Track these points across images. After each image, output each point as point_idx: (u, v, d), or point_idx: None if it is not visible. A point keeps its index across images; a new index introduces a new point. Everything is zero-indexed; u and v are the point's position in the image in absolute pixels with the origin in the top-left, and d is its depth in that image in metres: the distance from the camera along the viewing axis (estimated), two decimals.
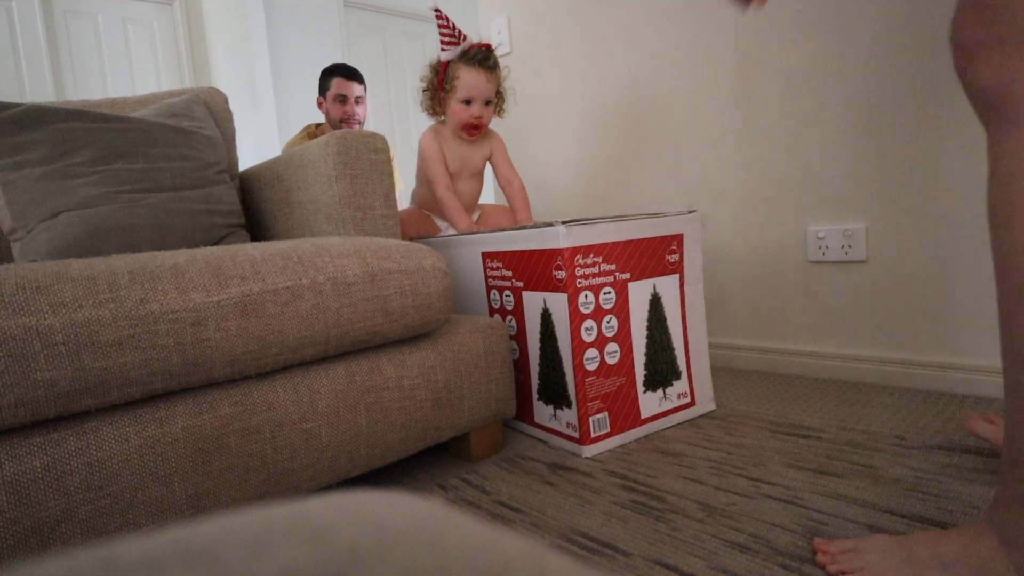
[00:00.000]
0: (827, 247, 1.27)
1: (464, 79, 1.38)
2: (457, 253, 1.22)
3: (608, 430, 0.98)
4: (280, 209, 1.17)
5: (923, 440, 0.91)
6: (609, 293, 0.98)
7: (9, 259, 1.04)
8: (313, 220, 1.07)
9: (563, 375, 0.98)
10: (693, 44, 1.45)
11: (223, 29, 3.48)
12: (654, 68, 1.54)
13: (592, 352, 0.96)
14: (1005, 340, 0.54)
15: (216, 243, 1.06)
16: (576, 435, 0.97)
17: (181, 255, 0.68)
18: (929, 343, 1.16)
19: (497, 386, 0.97)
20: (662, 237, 1.05)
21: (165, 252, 0.71)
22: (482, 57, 1.40)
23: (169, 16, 3.57)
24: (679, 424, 1.07)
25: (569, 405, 0.98)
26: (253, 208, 1.26)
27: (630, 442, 1.00)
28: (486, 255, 1.13)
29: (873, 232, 1.21)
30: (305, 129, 2.10)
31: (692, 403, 1.10)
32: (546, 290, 0.99)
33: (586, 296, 0.96)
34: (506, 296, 1.10)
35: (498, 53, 2.02)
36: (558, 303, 0.96)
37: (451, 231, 1.50)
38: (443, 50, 1.42)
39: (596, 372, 0.97)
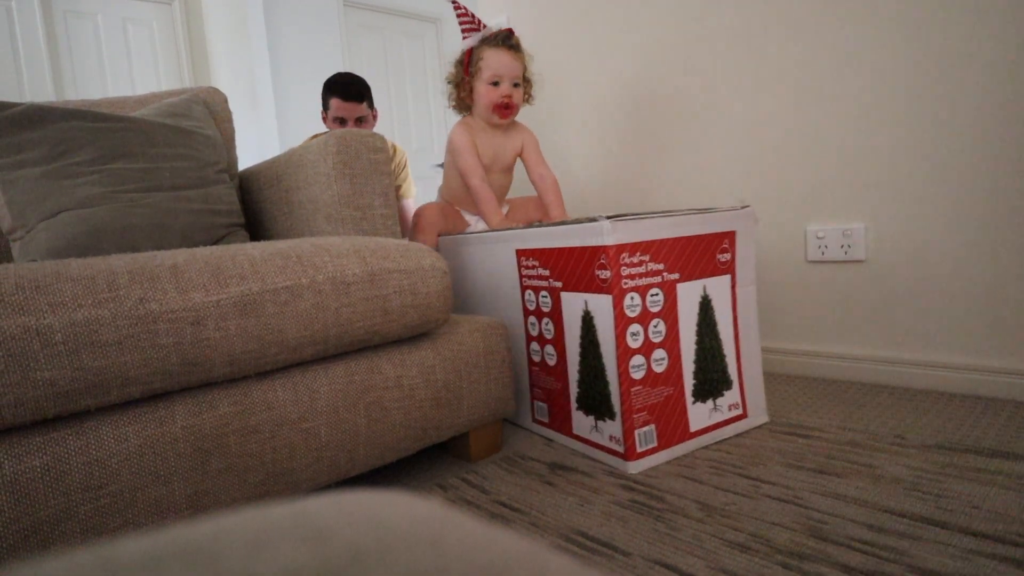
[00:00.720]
0: (826, 247, 1.27)
1: (489, 59, 1.36)
2: (488, 250, 1.15)
3: (655, 444, 0.91)
4: (279, 209, 1.17)
5: (923, 440, 0.91)
6: (656, 295, 0.91)
7: (9, 258, 1.04)
8: (312, 220, 1.07)
9: (606, 384, 0.91)
10: (693, 34, 1.45)
11: (223, 29, 3.48)
12: (656, 60, 1.54)
13: (638, 359, 0.89)
14: None
15: (215, 243, 1.06)
16: (620, 449, 0.90)
17: (180, 255, 0.68)
18: (928, 342, 1.16)
19: (496, 386, 0.97)
20: (713, 234, 0.97)
21: (164, 252, 0.71)
22: (504, 37, 1.37)
23: (169, 16, 3.57)
24: (730, 438, 0.99)
25: (613, 416, 0.90)
26: (252, 208, 1.26)
27: (678, 457, 0.92)
28: (521, 253, 1.05)
29: (872, 232, 1.21)
30: (313, 139, 2.07)
31: (744, 415, 1.01)
32: (588, 291, 0.91)
33: (632, 298, 0.88)
34: (542, 297, 1.02)
35: None
36: (601, 305, 0.89)
37: (480, 226, 1.46)
38: (464, 38, 1.39)
39: (642, 381, 0.90)
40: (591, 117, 1.74)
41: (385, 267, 0.81)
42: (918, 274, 1.16)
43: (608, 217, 0.87)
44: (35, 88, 3.09)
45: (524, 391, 1.12)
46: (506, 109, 1.38)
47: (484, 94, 1.38)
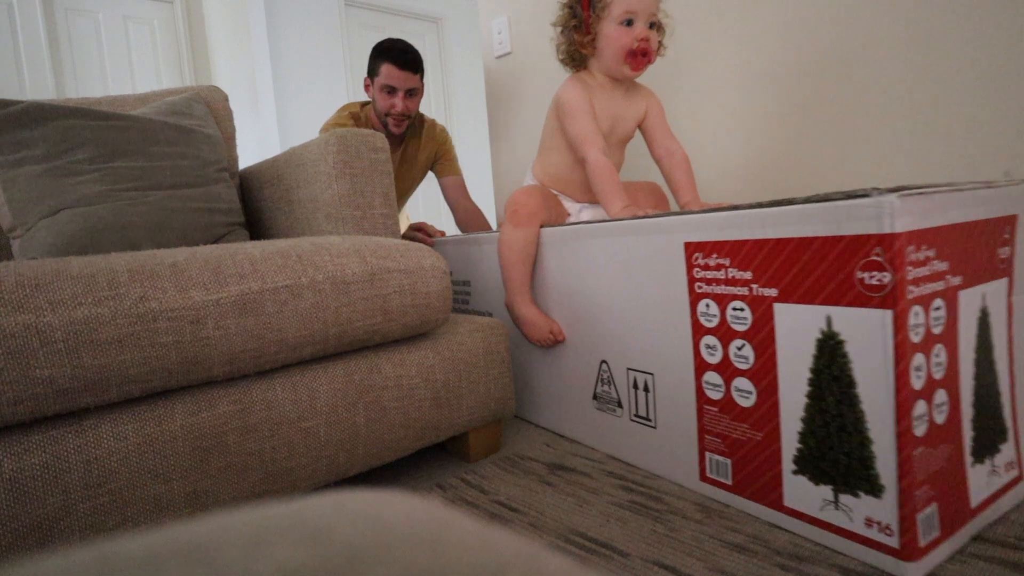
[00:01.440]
0: None
1: None
2: (631, 245, 0.87)
3: (937, 533, 0.61)
4: (280, 208, 1.17)
5: None
6: (939, 308, 0.62)
7: (9, 256, 1.04)
8: (313, 219, 1.07)
9: (866, 442, 0.61)
10: None
11: (223, 27, 3.48)
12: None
13: (921, 406, 0.60)
14: None
15: (215, 241, 1.06)
16: (892, 542, 0.60)
17: (180, 253, 0.68)
18: None
19: (496, 386, 0.97)
20: (993, 220, 0.68)
21: (164, 250, 0.71)
22: None
23: (170, 14, 3.57)
24: (1009, 513, 0.69)
25: (876, 491, 0.61)
26: (253, 207, 1.26)
27: (960, 549, 0.63)
28: (695, 247, 0.77)
29: None
30: (347, 109, 1.72)
31: (1020, 477, 0.72)
32: (836, 303, 0.62)
33: (916, 314, 0.59)
34: (734, 310, 0.73)
35: (498, 52, 2.02)
36: (864, 325, 0.60)
37: (586, 215, 1.18)
38: None
39: (925, 439, 0.60)
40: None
41: (385, 267, 0.81)
42: None
43: (892, 190, 0.58)
44: (36, 86, 3.09)
45: (687, 433, 0.81)
46: (642, 57, 1.06)
47: (614, 37, 1.05)
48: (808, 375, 0.66)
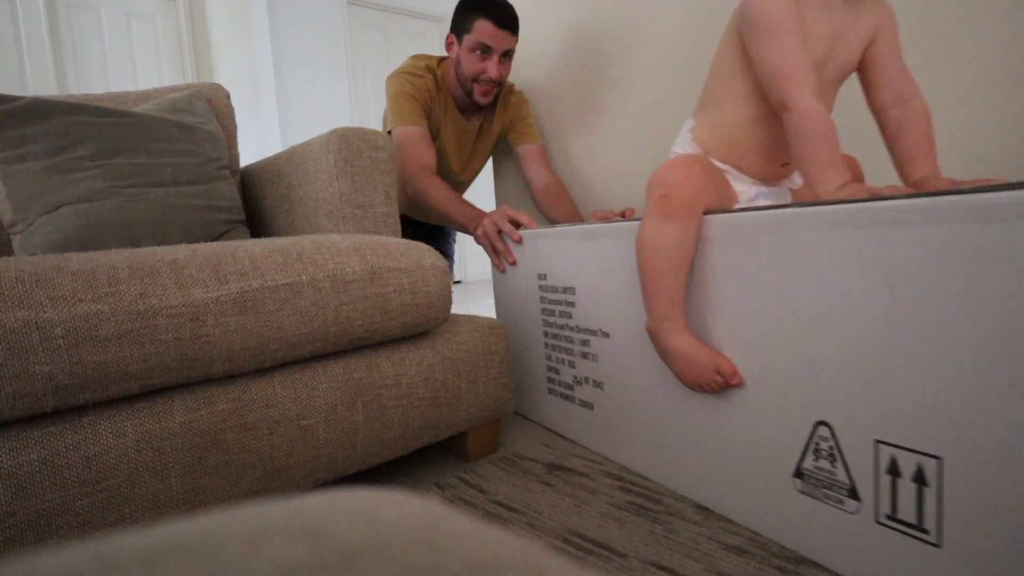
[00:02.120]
0: None
1: None
2: (888, 239, 0.54)
3: None
4: (280, 206, 1.17)
5: None
6: None
7: (9, 252, 1.04)
8: (313, 217, 1.07)
9: None
10: None
11: (226, 25, 3.48)
12: None
13: None
14: None
15: (216, 239, 1.06)
16: None
17: (181, 250, 0.68)
18: None
19: (495, 386, 0.97)
20: None
21: (165, 247, 0.71)
22: None
23: (172, 11, 3.57)
24: None
25: None
26: (254, 204, 1.26)
27: None
28: None
29: None
30: (421, 60, 1.45)
31: None
32: None
33: None
34: None
35: None
36: None
37: (762, 202, 0.83)
38: None
39: None
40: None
41: (385, 265, 0.81)
42: None
43: None
44: (38, 82, 3.09)
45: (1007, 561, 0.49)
46: None
47: None
48: None
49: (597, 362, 0.96)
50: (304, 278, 0.72)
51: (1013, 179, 0.60)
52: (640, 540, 0.70)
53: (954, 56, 1.05)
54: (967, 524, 0.51)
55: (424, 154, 1.40)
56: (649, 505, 0.79)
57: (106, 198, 0.96)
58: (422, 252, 0.87)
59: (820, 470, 0.63)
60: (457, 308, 2.84)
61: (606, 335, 0.93)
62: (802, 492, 0.65)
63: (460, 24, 1.39)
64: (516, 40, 1.41)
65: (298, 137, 3.19)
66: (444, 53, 1.67)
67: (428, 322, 0.87)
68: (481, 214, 1.29)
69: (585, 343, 0.98)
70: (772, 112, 0.74)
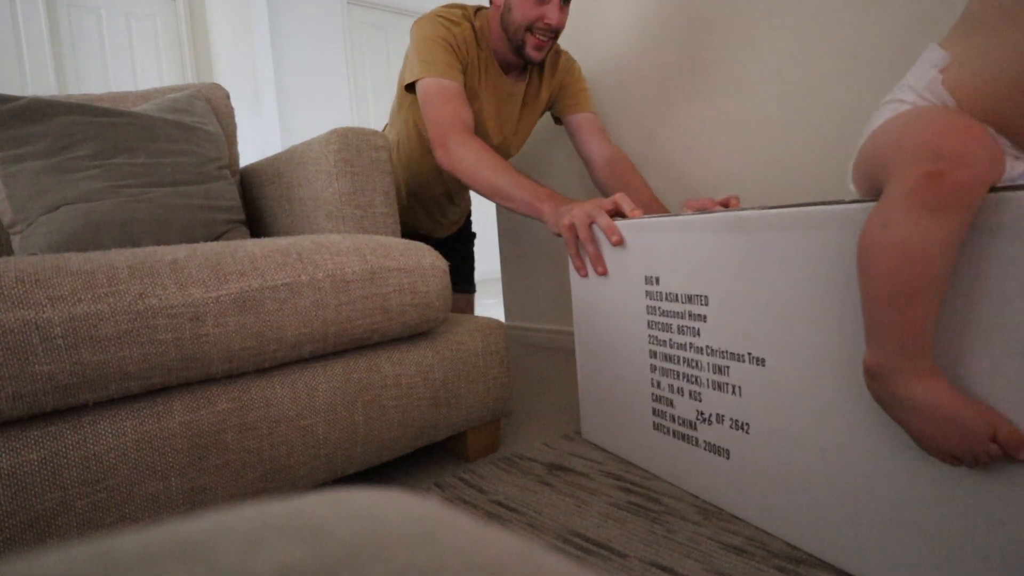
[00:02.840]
0: None
1: None
2: None
3: None
4: (280, 206, 1.17)
5: None
6: None
7: (9, 252, 1.04)
8: (313, 217, 1.07)
9: None
10: None
11: (226, 25, 3.48)
12: None
13: None
14: None
15: (216, 239, 1.06)
16: None
17: (181, 250, 0.68)
18: None
19: (495, 386, 0.97)
20: None
21: (164, 247, 0.71)
22: None
23: (172, 11, 3.57)
24: None
25: None
26: (253, 204, 1.26)
27: None
28: None
29: None
30: (457, 8, 1.26)
31: None
32: None
33: None
34: None
35: None
36: None
37: None
38: None
39: None
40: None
41: (385, 265, 0.81)
42: None
43: None
44: (37, 82, 3.09)
45: None
46: None
47: None
48: None
49: (740, 396, 0.71)
50: (304, 278, 0.72)
51: None
52: (640, 540, 0.70)
53: None
54: None
55: (463, 113, 1.13)
56: (649, 505, 0.79)
57: (106, 198, 0.96)
58: (422, 252, 0.87)
59: None
60: None
61: (759, 362, 0.68)
62: None
63: None
64: None
65: (298, 137, 3.19)
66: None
67: (428, 322, 0.87)
68: (551, 194, 1.01)
69: (721, 370, 0.73)
70: None
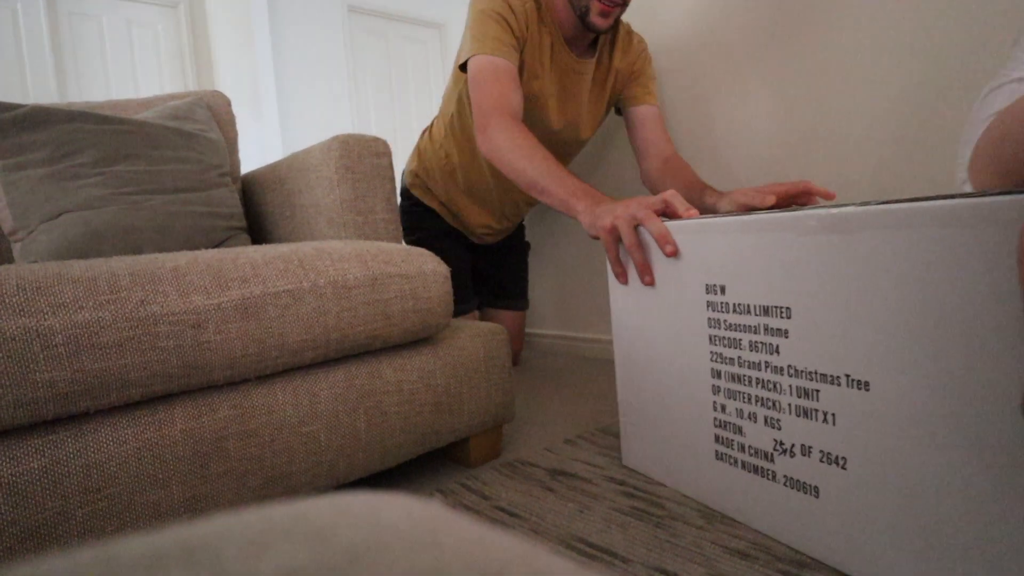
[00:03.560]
0: None
1: None
2: None
3: None
4: (281, 212, 1.17)
5: None
6: None
7: (10, 260, 1.04)
8: (314, 224, 1.08)
9: None
10: None
11: (227, 33, 3.49)
12: None
13: None
14: None
15: (217, 246, 1.07)
16: None
17: (182, 257, 0.69)
18: None
19: (497, 391, 0.97)
20: None
21: (166, 254, 0.71)
22: None
23: (173, 19, 3.59)
24: None
25: None
26: (254, 211, 1.26)
27: None
28: None
29: None
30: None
31: None
32: None
33: None
34: None
35: None
36: None
37: None
38: None
39: None
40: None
41: (387, 271, 0.81)
42: None
43: None
44: (39, 89, 3.10)
45: None
46: None
47: None
48: None
49: (834, 426, 0.61)
50: (305, 284, 0.72)
51: None
52: (643, 545, 0.70)
53: None
54: None
55: (510, 95, 1.05)
56: (652, 510, 0.78)
57: (107, 205, 0.96)
58: (423, 258, 0.87)
59: None
60: None
61: (862, 386, 0.58)
62: None
63: None
64: None
65: (299, 144, 3.20)
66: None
67: (430, 327, 0.87)
68: (589, 191, 0.91)
69: (809, 395, 0.63)
70: None
